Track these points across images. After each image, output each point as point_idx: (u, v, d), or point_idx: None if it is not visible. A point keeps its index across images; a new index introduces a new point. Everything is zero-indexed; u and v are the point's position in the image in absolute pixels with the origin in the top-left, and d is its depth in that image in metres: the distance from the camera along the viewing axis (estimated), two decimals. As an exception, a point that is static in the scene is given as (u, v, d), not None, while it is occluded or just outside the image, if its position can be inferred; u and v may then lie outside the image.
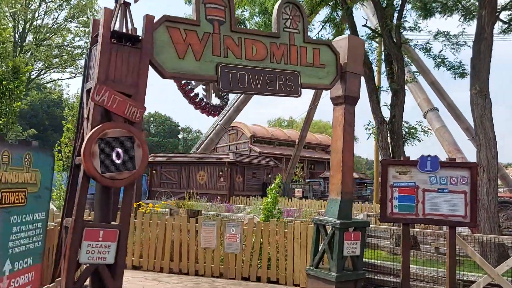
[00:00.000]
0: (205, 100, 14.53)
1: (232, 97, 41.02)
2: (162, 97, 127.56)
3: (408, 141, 12.21)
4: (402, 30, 12.43)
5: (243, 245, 7.45)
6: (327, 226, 6.13)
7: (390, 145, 11.77)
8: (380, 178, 6.92)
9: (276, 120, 79.44)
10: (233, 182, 24.81)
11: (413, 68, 22.22)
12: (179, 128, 75.42)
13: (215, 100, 15.49)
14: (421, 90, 30.19)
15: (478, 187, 10.32)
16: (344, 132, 6.27)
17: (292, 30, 5.85)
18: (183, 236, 7.74)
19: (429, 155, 6.65)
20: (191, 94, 14.08)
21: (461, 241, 7.07)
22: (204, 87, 14.68)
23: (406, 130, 12.33)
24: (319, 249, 6.22)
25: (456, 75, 12.17)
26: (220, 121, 38.82)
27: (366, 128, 12.63)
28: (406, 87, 13.39)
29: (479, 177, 10.28)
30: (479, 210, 10.30)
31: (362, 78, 12.23)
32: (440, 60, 12.32)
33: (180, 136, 75.85)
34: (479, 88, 10.11)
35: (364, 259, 8.35)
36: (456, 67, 12.21)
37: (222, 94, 15.85)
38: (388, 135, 11.76)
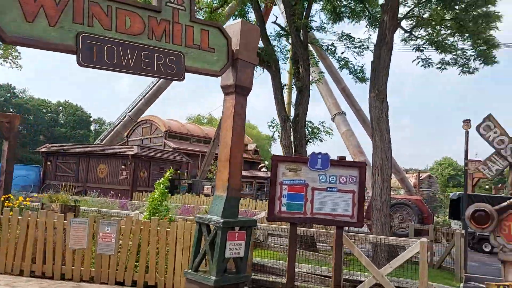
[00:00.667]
0: None
1: (143, 87, 39.28)
2: (73, 85, 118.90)
3: (311, 140, 12.20)
4: (309, 30, 12.41)
5: (119, 246, 6.65)
6: (210, 225, 5.60)
7: (293, 144, 11.65)
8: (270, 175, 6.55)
9: (195, 117, 78.02)
10: (136, 177, 23.45)
11: (322, 68, 22.68)
12: (91, 119, 71.27)
13: None
14: (331, 94, 31.36)
15: (372, 188, 10.61)
16: (234, 124, 5.76)
17: (176, 6, 5.21)
18: (49, 234, 6.73)
19: (319, 153, 6.42)
20: None
21: (348, 241, 6.97)
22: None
23: (309, 129, 12.32)
24: (200, 251, 5.67)
25: (357, 80, 12.45)
26: (129, 112, 36.72)
27: (269, 126, 12.42)
28: (316, 89, 13.47)
29: (374, 178, 10.51)
30: (372, 211, 10.52)
31: (268, 74, 12.10)
32: (343, 62, 12.51)
33: (92, 127, 71.80)
34: (377, 91, 10.32)
35: (255, 260, 8.01)
36: (358, 71, 12.47)
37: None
38: (292, 133, 11.63)
